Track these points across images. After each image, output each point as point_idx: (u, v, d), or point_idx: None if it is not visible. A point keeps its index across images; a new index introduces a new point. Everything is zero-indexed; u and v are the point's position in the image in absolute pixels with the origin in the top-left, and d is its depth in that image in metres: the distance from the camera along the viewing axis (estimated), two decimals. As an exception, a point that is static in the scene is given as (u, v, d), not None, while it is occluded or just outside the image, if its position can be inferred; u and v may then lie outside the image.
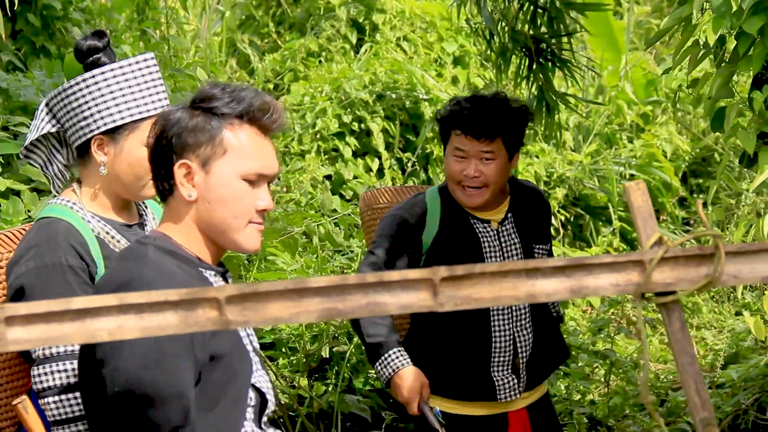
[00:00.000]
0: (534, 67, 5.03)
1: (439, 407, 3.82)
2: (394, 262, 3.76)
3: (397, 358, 3.74)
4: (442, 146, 3.90)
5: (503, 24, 5.06)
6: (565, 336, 6.45)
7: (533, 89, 5.14)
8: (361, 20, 8.62)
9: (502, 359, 3.83)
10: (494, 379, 3.82)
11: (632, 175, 8.50)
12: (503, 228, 3.86)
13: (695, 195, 9.09)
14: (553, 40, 5.02)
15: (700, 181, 9.16)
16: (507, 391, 3.84)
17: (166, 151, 2.53)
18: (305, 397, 5.44)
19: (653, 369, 6.51)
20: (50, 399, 2.86)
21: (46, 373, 2.86)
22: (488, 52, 5.20)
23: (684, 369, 1.99)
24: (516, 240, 3.87)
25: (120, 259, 2.64)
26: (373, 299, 1.91)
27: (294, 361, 5.65)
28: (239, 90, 2.57)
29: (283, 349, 5.69)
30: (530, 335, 3.88)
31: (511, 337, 3.83)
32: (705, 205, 7.58)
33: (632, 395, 5.99)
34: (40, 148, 3.12)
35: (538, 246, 3.94)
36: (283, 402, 5.40)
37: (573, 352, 6.22)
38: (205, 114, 2.54)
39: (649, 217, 2.03)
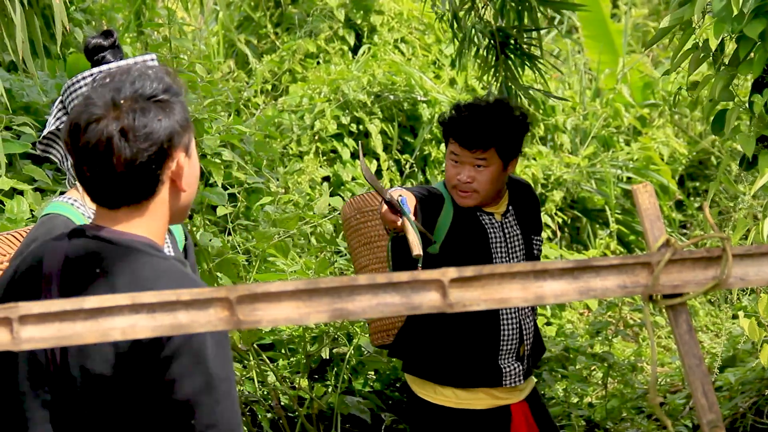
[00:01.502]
0: (500, 59, 5.02)
1: (443, 402, 3.92)
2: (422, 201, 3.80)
3: None
4: (446, 147, 3.98)
5: (470, 13, 5.03)
6: (562, 339, 6.47)
7: (498, 82, 5.13)
8: (359, 22, 8.62)
9: (509, 347, 3.94)
10: (501, 366, 3.93)
11: (629, 178, 8.51)
12: (506, 220, 3.99)
13: (692, 198, 9.10)
14: (524, 35, 5.01)
15: (697, 184, 9.18)
16: (512, 377, 3.95)
17: (168, 153, 2.25)
18: (305, 398, 5.44)
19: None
20: None
21: None
22: (454, 40, 5.15)
23: (691, 371, 2.00)
24: (517, 231, 4.00)
25: None
26: (383, 300, 1.92)
27: (294, 362, 5.66)
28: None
29: (283, 350, 5.69)
30: (532, 323, 4.00)
31: (518, 325, 3.94)
32: (701, 207, 7.57)
33: (630, 398, 6.00)
34: (57, 142, 3.13)
35: (535, 237, 4.08)
36: (283, 403, 5.41)
37: (570, 355, 6.23)
38: (177, 102, 2.29)
39: (657, 219, 2.04)
